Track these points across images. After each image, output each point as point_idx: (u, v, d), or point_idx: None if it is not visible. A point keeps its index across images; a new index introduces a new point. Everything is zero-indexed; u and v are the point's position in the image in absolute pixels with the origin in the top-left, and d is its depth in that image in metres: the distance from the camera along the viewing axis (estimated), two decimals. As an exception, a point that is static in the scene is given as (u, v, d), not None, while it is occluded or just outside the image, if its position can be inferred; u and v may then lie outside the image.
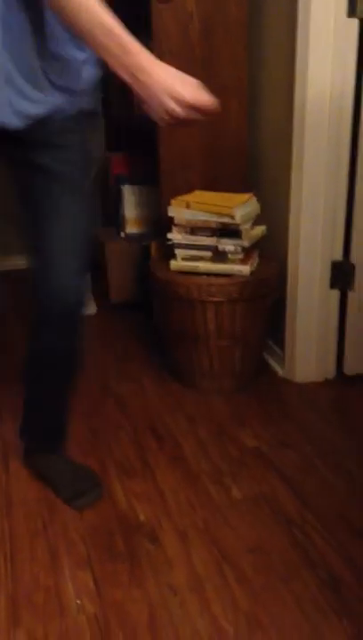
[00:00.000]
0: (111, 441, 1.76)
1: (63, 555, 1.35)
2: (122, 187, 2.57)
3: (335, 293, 2.04)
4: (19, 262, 3.23)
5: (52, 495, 1.54)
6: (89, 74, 1.27)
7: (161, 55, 2.03)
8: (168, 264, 2.02)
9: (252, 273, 1.95)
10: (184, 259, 2.00)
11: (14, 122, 1.19)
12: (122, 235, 2.64)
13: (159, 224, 2.51)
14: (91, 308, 2.60)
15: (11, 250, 3.21)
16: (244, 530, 1.42)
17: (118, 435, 1.79)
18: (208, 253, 1.96)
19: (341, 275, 2.01)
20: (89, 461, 1.67)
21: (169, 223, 2.01)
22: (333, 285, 2.02)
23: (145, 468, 1.63)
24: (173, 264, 2.01)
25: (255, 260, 2.03)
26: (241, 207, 1.92)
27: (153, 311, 2.48)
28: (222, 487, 1.55)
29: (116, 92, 2.73)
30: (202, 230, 1.96)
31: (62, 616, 1.20)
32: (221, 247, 1.94)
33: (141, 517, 1.46)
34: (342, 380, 2.08)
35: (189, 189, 2.15)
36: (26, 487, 1.58)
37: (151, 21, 2.00)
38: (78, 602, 1.23)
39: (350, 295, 2.02)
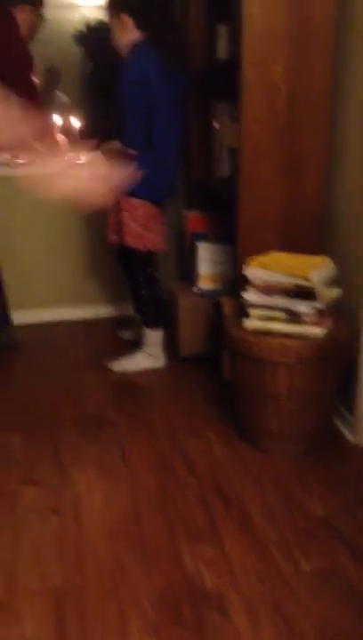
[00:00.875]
0: (179, 500, 1.77)
1: (132, 617, 1.36)
2: (197, 244, 2.64)
3: None
4: (101, 311, 3.34)
5: (122, 550, 1.57)
6: None
7: (247, 122, 2.11)
8: (242, 322, 2.05)
9: (325, 335, 1.95)
10: (258, 318, 2.02)
11: None
12: (195, 290, 2.70)
13: (233, 282, 2.55)
14: (160, 361, 2.65)
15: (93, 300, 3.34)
16: (312, 605, 1.39)
17: (186, 494, 1.80)
18: (282, 314, 1.98)
19: None
20: (157, 523, 1.68)
21: (244, 282, 2.04)
22: None
23: (213, 533, 1.63)
24: (247, 323, 2.03)
25: (329, 322, 2.03)
26: (317, 270, 1.93)
27: (222, 367, 2.50)
28: (291, 560, 1.53)
29: (196, 154, 2.84)
30: (277, 291, 1.98)
31: None
32: (295, 309, 1.95)
33: (209, 585, 1.45)
34: None
35: (265, 249, 2.19)
36: (96, 542, 1.61)
37: (241, 91, 2.08)
38: (146, 670, 1.23)
39: None
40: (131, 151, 2.29)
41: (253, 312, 2.04)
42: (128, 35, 2.25)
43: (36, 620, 1.36)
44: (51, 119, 2.85)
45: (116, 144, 2.35)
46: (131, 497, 1.79)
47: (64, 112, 3.15)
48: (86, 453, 2.03)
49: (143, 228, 2.40)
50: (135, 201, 2.36)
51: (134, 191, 2.31)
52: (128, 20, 2.23)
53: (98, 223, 3.09)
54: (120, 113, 2.29)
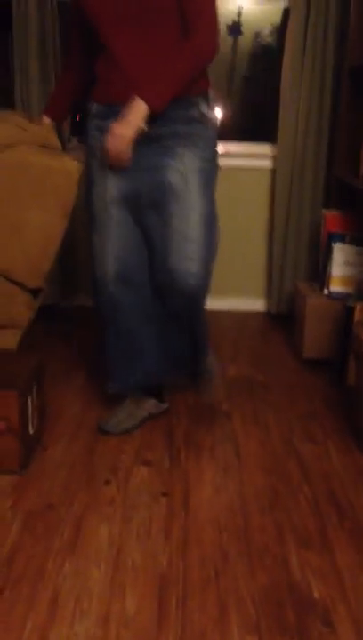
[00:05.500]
0: (291, 504, 1.72)
1: (232, 612, 1.34)
2: (333, 244, 2.55)
3: None
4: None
5: (227, 542, 1.55)
6: None
7: None
8: (374, 331, 1.95)
9: None
10: (392, 328, 1.92)
11: None
12: (325, 292, 2.61)
13: (367, 287, 2.44)
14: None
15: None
16: None
17: (298, 499, 1.75)
18: None
19: None
20: (266, 521, 1.64)
21: (381, 289, 1.94)
22: None
23: (324, 542, 1.57)
24: (380, 332, 1.94)
25: None
26: None
27: (346, 374, 2.41)
28: None
29: (342, 151, 2.74)
30: None
31: None
32: None
33: (315, 594, 1.40)
34: None
35: None
36: (202, 530, 1.60)
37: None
38: (244, 668, 1.20)
39: None
40: None
41: (387, 320, 1.94)
42: None
43: (138, 598, 1.38)
44: None
45: None
46: (240, 492, 1.77)
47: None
48: (199, 441, 2.03)
49: None
50: None
51: None
52: None
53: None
54: None
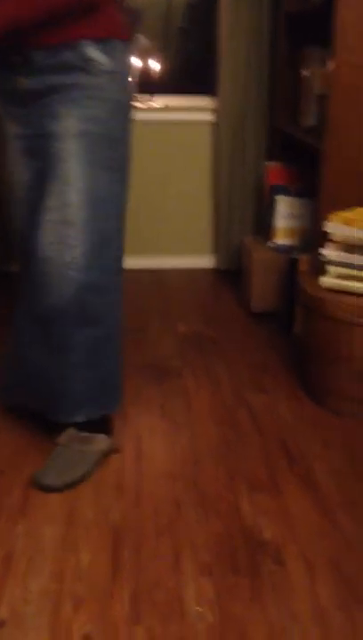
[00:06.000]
0: (241, 452, 1.74)
1: (186, 557, 1.36)
2: (276, 197, 2.55)
3: None
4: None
5: (180, 492, 1.56)
6: None
7: (340, 67, 1.99)
8: (318, 280, 1.97)
9: None
10: (335, 276, 1.94)
11: None
12: (270, 244, 2.62)
13: (311, 238, 2.45)
14: None
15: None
16: (373, 569, 1.34)
17: (248, 447, 1.77)
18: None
19: None
20: (218, 470, 1.67)
21: (323, 238, 1.95)
22: None
23: (274, 486, 1.60)
24: (324, 281, 1.95)
25: None
26: None
27: (293, 324, 2.44)
28: (356, 522, 1.48)
29: (281, 102, 2.71)
30: (359, 249, 1.89)
31: (181, 620, 1.20)
32: (377, 268, 1.86)
33: (267, 535, 1.43)
34: None
35: (350, 205, 2.08)
36: (155, 483, 1.61)
37: (335, 34, 1.97)
38: (199, 609, 1.22)
39: None
40: None
41: (330, 269, 1.95)
42: None
43: (92, 551, 1.38)
44: None
45: None
46: (192, 444, 1.78)
47: (145, 55, 3.08)
48: (150, 398, 2.03)
49: None
50: None
51: None
52: None
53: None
54: None
